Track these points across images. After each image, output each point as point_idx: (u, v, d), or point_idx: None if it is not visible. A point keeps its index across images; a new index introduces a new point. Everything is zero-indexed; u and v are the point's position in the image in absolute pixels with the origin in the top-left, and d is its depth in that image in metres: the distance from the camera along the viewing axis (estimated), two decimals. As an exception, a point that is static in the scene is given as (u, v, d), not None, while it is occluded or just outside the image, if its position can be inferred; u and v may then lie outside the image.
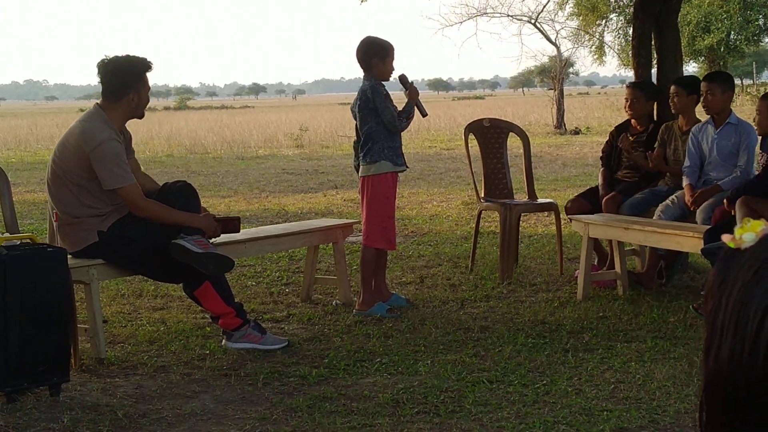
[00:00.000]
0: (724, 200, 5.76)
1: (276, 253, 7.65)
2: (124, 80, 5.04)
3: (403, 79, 6.16)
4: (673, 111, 6.78)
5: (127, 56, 5.20)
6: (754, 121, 6.04)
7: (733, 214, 5.57)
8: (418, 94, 6.13)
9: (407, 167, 6.30)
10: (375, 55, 6.02)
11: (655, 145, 6.81)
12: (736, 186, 5.90)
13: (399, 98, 6.21)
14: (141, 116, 5.25)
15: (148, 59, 5.21)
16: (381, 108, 5.94)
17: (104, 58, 5.14)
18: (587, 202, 6.99)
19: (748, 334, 0.96)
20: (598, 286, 6.56)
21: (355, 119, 6.14)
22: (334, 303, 6.34)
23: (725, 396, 0.99)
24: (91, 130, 4.96)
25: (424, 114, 6.19)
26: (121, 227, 5.04)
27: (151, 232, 5.06)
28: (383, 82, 6.07)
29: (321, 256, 7.02)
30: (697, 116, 6.84)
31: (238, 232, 5.49)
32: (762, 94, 5.92)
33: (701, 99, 6.46)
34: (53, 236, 5.03)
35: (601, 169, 7.14)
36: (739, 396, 0.97)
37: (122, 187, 4.96)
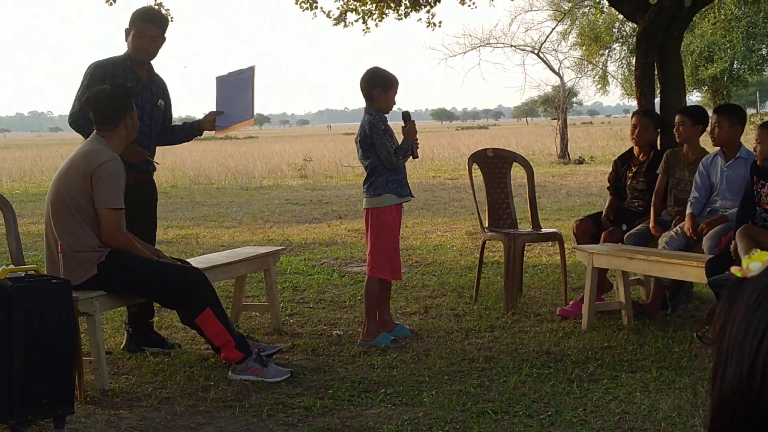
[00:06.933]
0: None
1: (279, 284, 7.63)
2: (118, 107, 5.24)
3: (405, 115, 6.23)
4: (677, 140, 6.80)
5: (113, 85, 5.43)
6: (754, 150, 6.03)
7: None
8: (415, 133, 6.15)
9: (413, 197, 6.31)
10: (378, 85, 6.05)
11: (658, 171, 6.82)
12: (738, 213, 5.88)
13: (400, 132, 6.23)
14: (134, 140, 5.48)
15: (131, 85, 5.54)
16: (378, 144, 5.97)
17: (89, 93, 5.35)
18: (593, 225, 7.01)
19: (746, 356, 0.97)
20: (602, 316, 6.54)
21: (358, 152, 6.16)
22: (334, 333, 6.33)
23: (731, 423, 0.99)
24: (96, 151, 5.15)
25: (414, 156, 6.20)
26: (117, 256, 5.09)
27: (147, 259, 5.18)
28: (385, 116, 6.10)
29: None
30: (702, 146, 6.86)
31: None
32: (762, 122, 5.91)
33: (710, 131, 6.47)
34: (53, 267, 5.04)
35: (609, 198, 7.17)
36: (742, 422, 0.97)
37: (110, 209, 5.04)
